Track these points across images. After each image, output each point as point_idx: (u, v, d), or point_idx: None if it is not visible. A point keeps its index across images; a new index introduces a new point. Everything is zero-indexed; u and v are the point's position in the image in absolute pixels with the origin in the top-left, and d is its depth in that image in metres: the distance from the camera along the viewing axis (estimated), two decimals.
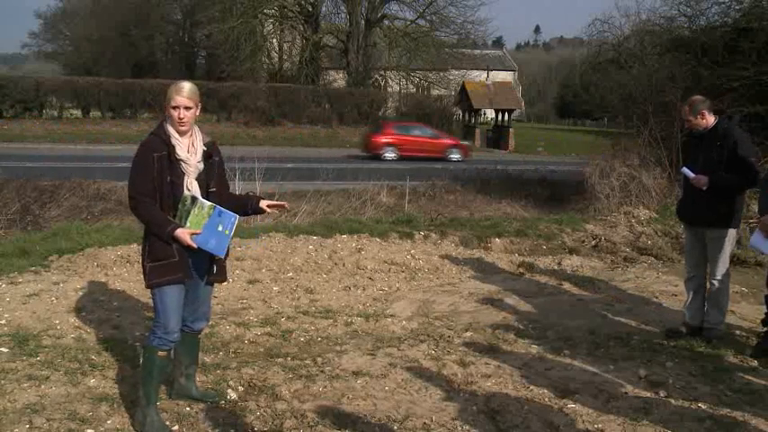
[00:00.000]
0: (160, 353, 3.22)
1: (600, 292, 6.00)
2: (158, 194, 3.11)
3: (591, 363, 4.26)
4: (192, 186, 3.19)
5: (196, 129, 3.27)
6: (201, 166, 3.24)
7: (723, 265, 4.64)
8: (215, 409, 3.47)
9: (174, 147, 3.13)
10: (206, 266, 3.32)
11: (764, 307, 4.57)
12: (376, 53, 35.68)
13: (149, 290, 3.23)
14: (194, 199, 3.14)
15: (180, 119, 3.14)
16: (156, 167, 3.09)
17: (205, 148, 3.27)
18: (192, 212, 3.12)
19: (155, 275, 3.14)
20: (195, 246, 3.12)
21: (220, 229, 3.13)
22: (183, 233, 3.08)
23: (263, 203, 3.43)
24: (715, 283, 4.67)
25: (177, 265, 3.14)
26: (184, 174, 3.16)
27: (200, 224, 3.12)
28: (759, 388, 3.89)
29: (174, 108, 3.12)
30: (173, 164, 3.12)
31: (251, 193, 3.63)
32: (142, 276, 3.23)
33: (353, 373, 3.98)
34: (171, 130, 3.17)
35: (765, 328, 4.57)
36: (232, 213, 3.17)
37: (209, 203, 3.15)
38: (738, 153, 4.40)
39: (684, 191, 4.92)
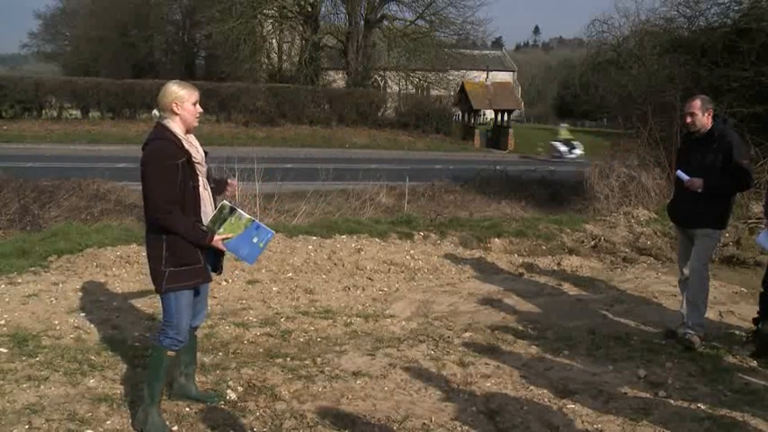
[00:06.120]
0: (169, 353, 3.23)
1: (599, 292, 6.00)
2: (182, 202, 3.03)
3: (590, 363, 4.26)
4: (207, 188, 3.21)
5: None
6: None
7: (702, 261, 4.62)
8: (214, 409, 3.47)
9: (189, 152, 3.07)
10: (213, 264, 3.34)
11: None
12: (375, 53, 35.61)
13: (162, 293, 3.14)
14: (233, 209, 3.17)
15: (200, 113, 3.15)
16: (180, 175, 3.00)
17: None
18: (228, 221, 3.16)
19: (176, 279, 3.09)
20: (226, 250, 3.19)
21: (255, 241, 3.20)
22: (217, 240, 3.12)
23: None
24: (693, 278, 4.61)
25: (201, 269, 3.16)
26: (199, 176, 3.15)
27: (234, 233, 3.17)
28: (758, 388, 3.90)
29: (195, 104, 3.11)
30: (192, 168, 3.08)
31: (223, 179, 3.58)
32: (153, 280, 3.13)
33: (353, 373, 3.99)
34: (179, 133, 3.08)
35: (756, 327, 4.59)
36: (270, 230, 3.25)
37: (248, 217, 3.20)
38: (734, 157, 4.40)
39: (676, 193, 4.92)
